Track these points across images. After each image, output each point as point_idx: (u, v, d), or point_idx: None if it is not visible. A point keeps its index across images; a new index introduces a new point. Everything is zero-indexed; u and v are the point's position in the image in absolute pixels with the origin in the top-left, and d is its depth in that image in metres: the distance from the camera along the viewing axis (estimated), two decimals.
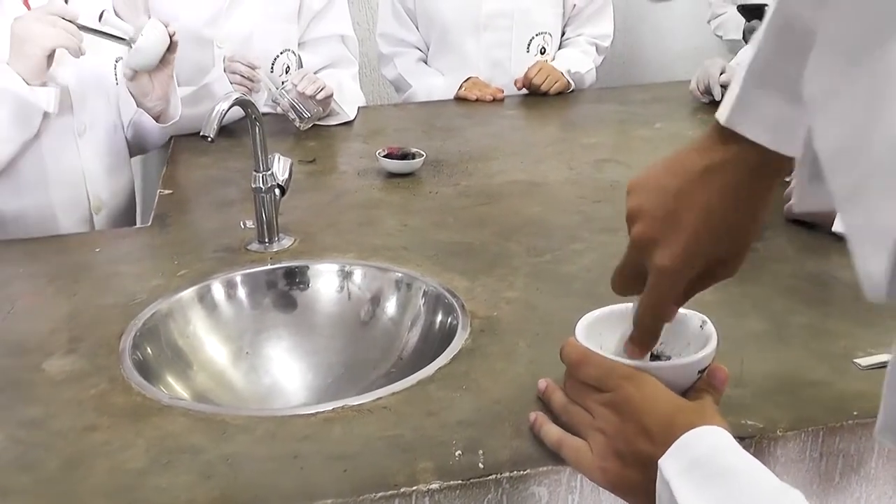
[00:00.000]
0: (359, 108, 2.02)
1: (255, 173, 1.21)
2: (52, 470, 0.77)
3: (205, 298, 1.14)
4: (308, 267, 1.20)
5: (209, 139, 1.10)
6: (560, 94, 2.18)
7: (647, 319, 0.72)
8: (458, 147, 1.75)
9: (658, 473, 0.63)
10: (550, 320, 1.02)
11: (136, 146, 1.72)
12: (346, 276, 1.19)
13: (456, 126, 1.93)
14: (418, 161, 1.57)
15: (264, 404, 1.07)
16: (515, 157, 1.69)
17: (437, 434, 0.80)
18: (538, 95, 2.16)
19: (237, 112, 1.26)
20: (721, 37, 2.53)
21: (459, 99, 2.17)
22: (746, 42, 2.11)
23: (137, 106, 1.58)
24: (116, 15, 1.51)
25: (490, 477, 0.74)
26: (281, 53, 1.94)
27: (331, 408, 0.85)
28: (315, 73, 1.88)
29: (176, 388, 1.01)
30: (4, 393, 0.90)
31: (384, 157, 1.58)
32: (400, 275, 1.16)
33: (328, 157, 1.73)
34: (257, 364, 1.12)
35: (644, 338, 0.73)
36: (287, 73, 1.94)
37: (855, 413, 0.81)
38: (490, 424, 0.81)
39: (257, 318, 1.16)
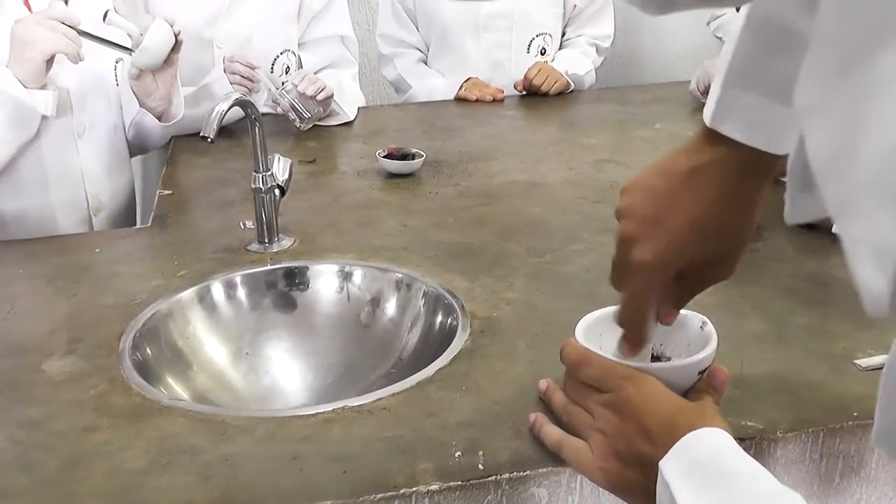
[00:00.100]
0: (359, 108, 2.02)
1: (254, 174, 1.21)
2: (52, 470, 0.77)
3: (204, 299, 1.14)
4: (308, 267, 1.20)
5: (209, 139, 1.10)
6: (560, 94, 2.18)
7: (627, 315, 0.72)
8: (458, 147, 1.75)
9: (658, 475, 0.63)
10: (550, 321, 1.01)
11: (137, 146, 1.73)
12: (345, 276, 1.19)
13: (456, 126, 1.93)
14: (418, 161, 1.57)
15: (264, 405, 1.07)
16: (515, 157, 1.68)
17: (437, 435, 0.80)
18: (538, 96, 2.16)
19: (237, 112, 1.26)
20: (721, 38, 2.53)
21: (459, 99, 2.17)
22: None
23: (140, 106, 1.58)
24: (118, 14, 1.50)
25: (490, 478, 0.74)
26: (281, 54, 1.94)
27: (330, 409, 0.85)
28: (315, 73, 1.88)
29: (175, 388, 1.01)
30: (4, 393, 0.90)
31: (384, 157, 1.58)
32: (400, 275, 1.16)
33: (328, 158, 1.73)
34: (257, 365, 1.12)
35: (631, 337, 0.73)
36: (287, 73, 1.94)
37: (855, 414, 0.81)
38: (490, 425, 0.81)
39: (257, 318, 1.16)
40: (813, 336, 0.97)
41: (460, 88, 2.17)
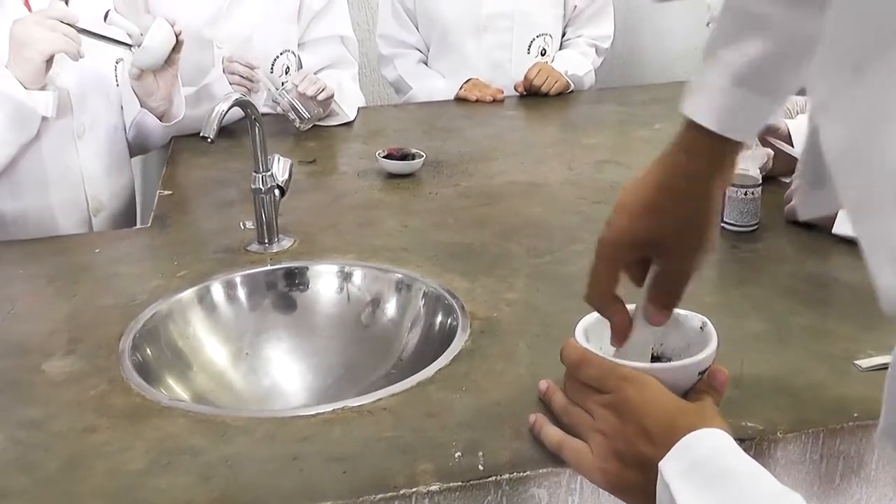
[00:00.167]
0: (359, 108, 2.02)
1: (254, 174, 1.21)
2: (52, 471, 0.77)
3: (204, 299, 1.14)
4: (308, 268, 1.20)
5: (209, 140, 1.10)
6: (560, 94, 2.18)
7: (589, 293, 0.76)
8: (458, 148, 1.75)
9: (658, 475, 0.63)
10: (550, 321, 1.01)
11: (138, 146, 1.72)
12: (345, 277, 1.19)
13: (456, 127, 1.93)
14: (418, 162, 1.57)
15: (264, 405, 1.07)
16: (515, 157, 1.68)
17: (437, 435, 0.80)
18: (538, 96, 2.16)
19: (237, 112, 1.26)
20: None
21: (459, 100, 2.17)
22: None
23: (141, 106, 1.58)
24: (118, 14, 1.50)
25: (490, 478, 0.74)
26: (281, 54, 1.94)
27: (330, 409, 0.85)
28: (315, 73, 1.88)
29: (175, 389, 1.01)
30: (4, 394, 0.90)
31: (384, 157, 1.58)
32: (400, 276, 1.16)
33: (328, 158, 1.73)
34: (257, 365, 1.12)
35: (613, 327, 0.77)
36: (287, 73, 1.94)
37: (855, 415, 0.81)
38: (490, 426, 0.81)
39: (257, 319, 1.16)
40: (813, 336, 0.97)
41: (460, 89, 2.17)
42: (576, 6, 2.28)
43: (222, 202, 1.46)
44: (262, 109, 1.71)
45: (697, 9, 2.65)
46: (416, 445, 0.79)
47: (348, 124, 1.94)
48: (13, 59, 1.35)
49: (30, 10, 1.44)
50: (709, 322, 0.78)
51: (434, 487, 0.73)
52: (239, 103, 1.15)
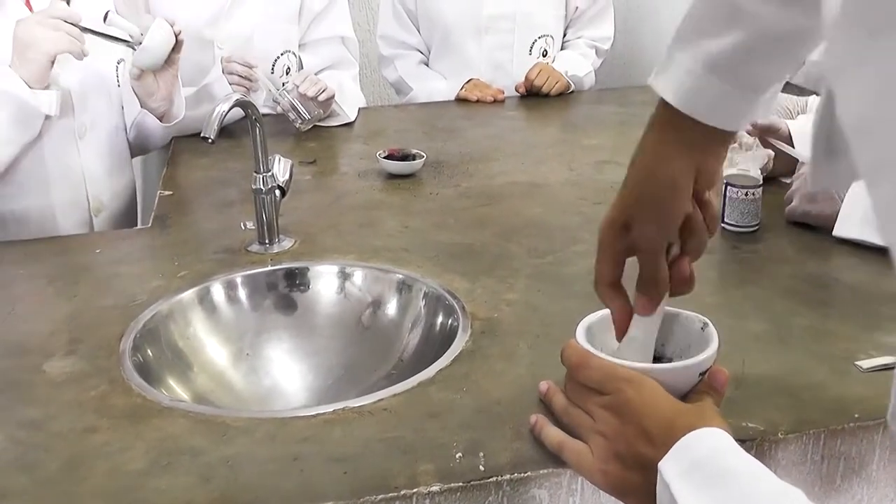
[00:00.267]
0: (359, 109, 2.01)
1: (255, 174, 1.21)
2: (52, 471, 0.77)
3: (205, 300, 1.14)
4: (308, 268, 1.20)
5: (210, 140, 1.10)
6: (560, 95, 2.18)
7: (594, 282, 0.77)
8: (458, 148, 1.75)
9: (658, 476, 0.63)
10: (551, 322, 1.01)
11: (139, 147, 1.73)
12: (346, 277, 1.19)
13: (456, 127, 1.93)
14: (419, 162, 1.57)
15: (264, 406, 1.07)
16: (516, 158, 1.68)
17: (438, 436, 0.80)
18: (538, 97, 2.16)
19: (237, 113, 1.26)
20: None
21: (460, 100, 2.17)
22: None
23: (142, 106, 1.58)
24: (118, 15, 1.50)
25: (491, 479, 0.74)
26: (281, 55, 1.94)
27: (331, 409, 0.85)
28: (315, 74, 1.88)
29: (176, 389, 1.01)
30: (4, 394, 0.90)
31: (385, 158, 1.58)
32: (400, 276, 1.16)
33: (329, 159, 1.73)
34: (257, 365, 1.12)
35: (614, 320, 0.78)
36: (287, 74, 1.94)
37: (856, 415, 0.81)
38: (491, 426, 0.81)
39: (258, 319, 1.16)
40: (814, 337, 0.97)
41: (461, 89, 2.17)
42: (577, 7, 2.28)
43: (223, 202, 1.46)
44: (263, 110, 1.71)
45: None
46: (416, 446, 0.79)
47: (349, 125, 1.94)
48: (17, 60, 1.35)
49: (31, 9, 1.44)
50: (709, 323, 0.78)
51: (435, 488, 0.73)
52: (239, 104, 1.15)
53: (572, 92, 2.22)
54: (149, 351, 1.02)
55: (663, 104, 0.74)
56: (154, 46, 1.46)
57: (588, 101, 2.21)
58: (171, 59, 1.51)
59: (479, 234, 1.29)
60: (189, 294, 1.12)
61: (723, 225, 1.25)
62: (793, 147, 1.35)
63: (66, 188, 1.51)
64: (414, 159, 1.57)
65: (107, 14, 1.44)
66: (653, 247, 0.74)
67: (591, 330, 0.79)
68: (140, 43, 1.45)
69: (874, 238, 1.14)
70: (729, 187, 1.24)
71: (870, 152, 0.43)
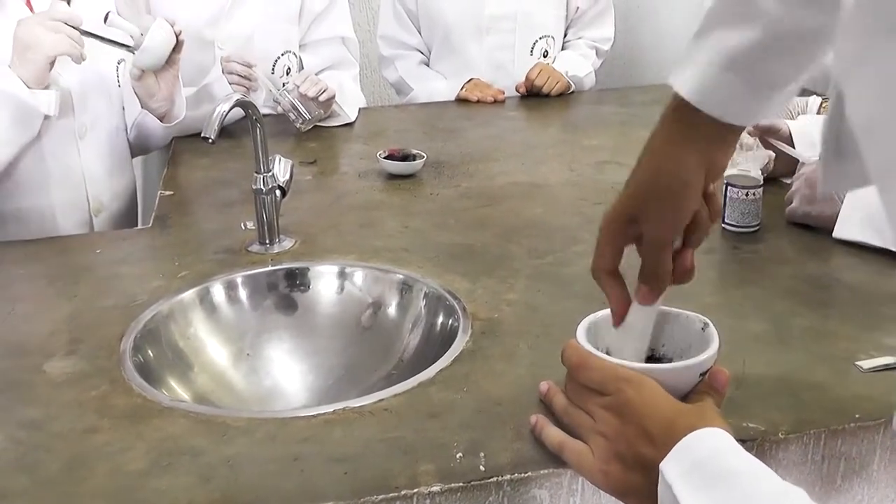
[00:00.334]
0: (359, 109, 2.01)
1: (255, 174, 1.21)
2: (53, 471, 0.77)
3: (205, 300, 1.14)
4: (309, 268, 1.20)
5: (210, 140, 1.10)
6: (561, 95, 2.18)
7: (592, 267, 0.78)
8: (458, 148, 1.75)
9: (659, 476, 0.63)
10: (551, 322, 1.01)
11: (139, 147, 1.73)
12: (346, 277, 1.19)
13: (457, 127, 1.93)
14: (419, 162, 1.57)
15: (265, 406, 1.07)
16: (516, 158, 1.68)
17: (438, 436, 0.80)
18: (539, 97, 2.16)
19: (238, 113, 1.26)
20: None
21: (460, 100, 2.17)
22: None
23: (142, 107, 1.58)
24: (119, 16, 1.50)
25: (491, 479, 0.74)
26: (282, 55, 1.94)
27: (331, 409, 0.85)
28: (316, 74, 1.88)
29: (176, 389, 1.01)
30: (5, 394, 0.90)
31: (385, 158, 1.58)
32: (401, 276, 1.16)
33: (329, 159, 1.73)
34: (258, 366, 1.12)
35: (610, 306, 0.78)
36: (288, 74, 1.94)
37: (857, 416, 0.81)
38: (491, 426, 0.81)
39: (258, 319, 1.16)
40: (814, 337, 0.97)
41: (461, 89, 2.17)
42: (578, 7, 2.28)
43: (223, 203, 1.46)
44: (263, 110, 1.71)
45: (697, 9, 2.65)
46: (417, 446, 0.79)
47: (349, 125, 1.94)
48: (17, 60, 1.36)
49: (31, 10, 1.44)
50: (710, 323, 0.78)
51: (435, 488, 0.73)
52: (240, 104, 1.15)
53: (573, 92, 2.22)
54: (149, 351, 1.02)
55: (675, 101, 0.73)
56: (154, 47, 1.46)
57: (588, 101, 2.21)
58: (171, 60, 1.51)
59: (480, 235, 1.29)
60: (189, 294, 1.12)
61: (723, 225, 1.25)
62: (793, 147, 1.35)
63: (67, 188, 1.51)
64: (414, 159, 1.57)
65: (107, 15, 1.44)
66: (661, 242, 0.74)
67: (592, 330, 0.79)
68: (140, 45, 1.45)
69: (874, 240, 1.14)
70: (729, 188, 1.24)
71: (880, 153, 0.43)
